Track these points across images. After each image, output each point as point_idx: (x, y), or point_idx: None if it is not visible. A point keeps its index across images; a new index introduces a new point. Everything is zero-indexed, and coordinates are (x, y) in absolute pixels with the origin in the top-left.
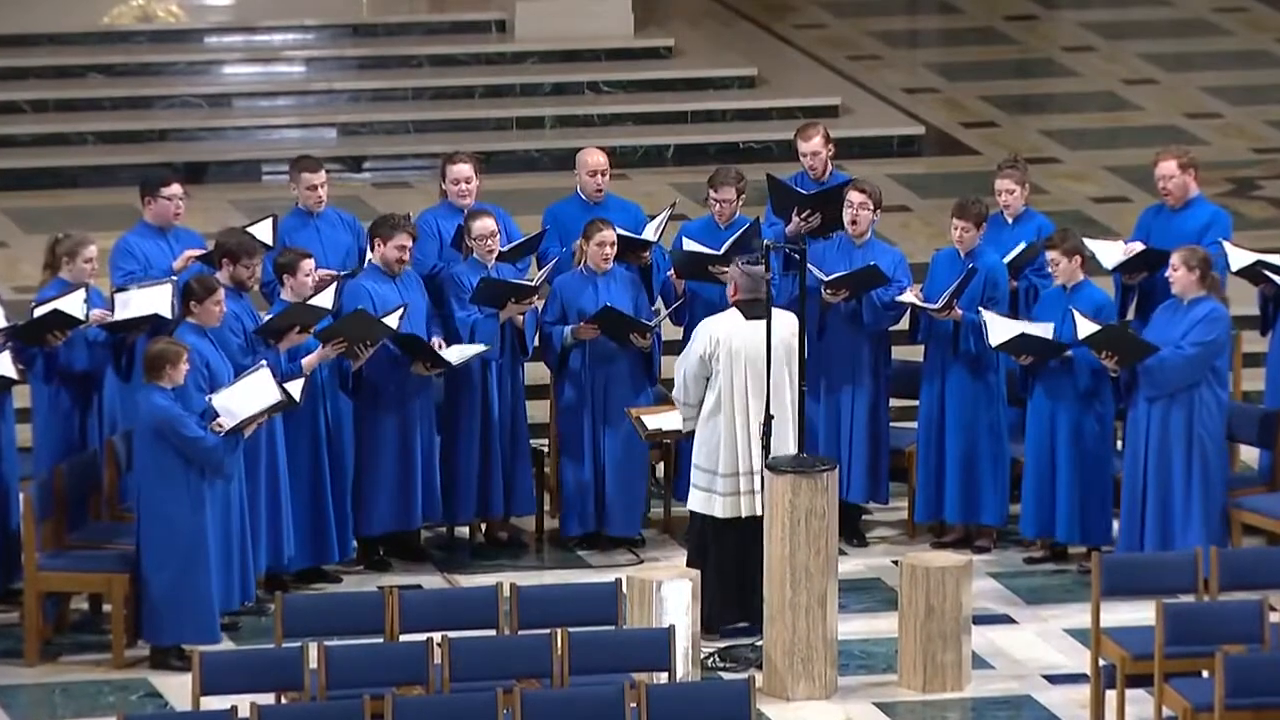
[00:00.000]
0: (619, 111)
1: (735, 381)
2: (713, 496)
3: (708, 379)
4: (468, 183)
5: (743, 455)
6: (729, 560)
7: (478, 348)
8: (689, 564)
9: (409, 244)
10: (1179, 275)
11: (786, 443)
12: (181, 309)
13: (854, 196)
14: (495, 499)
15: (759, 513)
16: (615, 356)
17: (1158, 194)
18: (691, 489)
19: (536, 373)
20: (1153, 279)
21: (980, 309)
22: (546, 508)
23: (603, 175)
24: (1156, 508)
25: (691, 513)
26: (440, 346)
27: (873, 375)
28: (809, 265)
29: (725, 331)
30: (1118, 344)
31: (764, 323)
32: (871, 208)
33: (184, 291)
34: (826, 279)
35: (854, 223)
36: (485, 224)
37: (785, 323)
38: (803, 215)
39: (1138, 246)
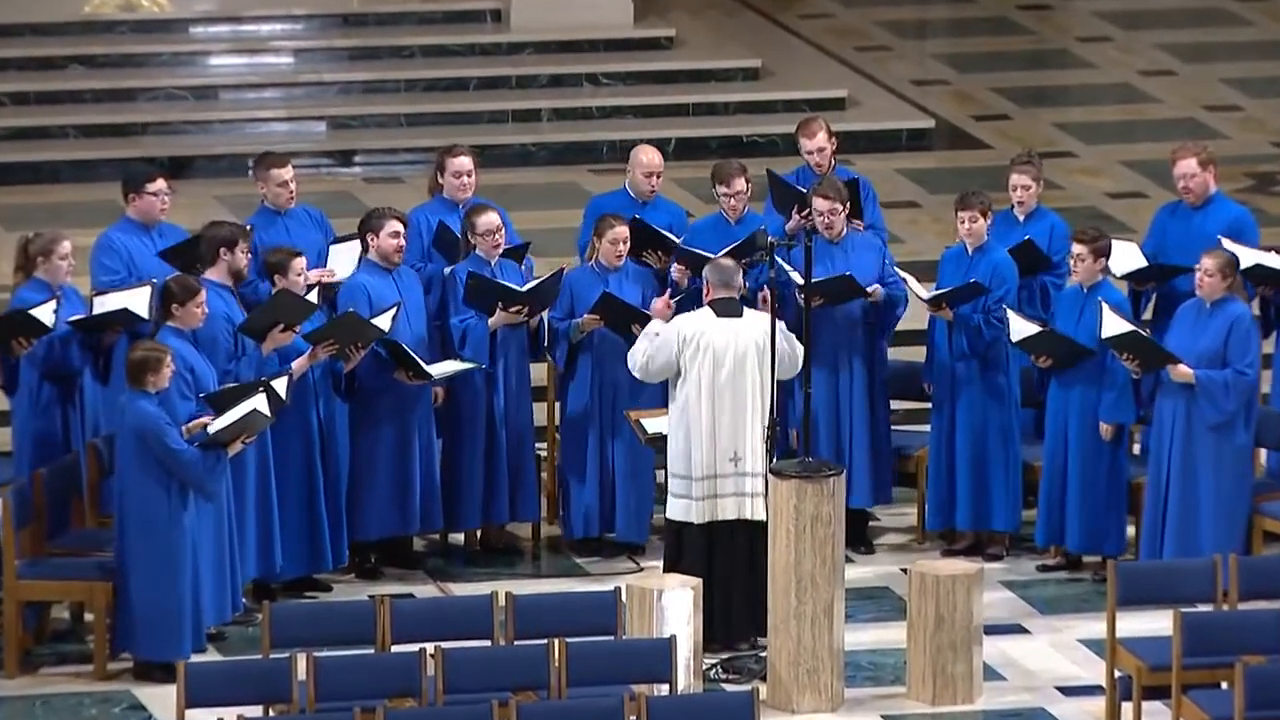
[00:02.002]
0: (618, 104)
1: (704, 382)
2: (689, 503)
3: (678, 373)
4: (468, 176)
5: (707, 460)
6: (702, 570)
7: (465, 364)
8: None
9: (402, 229)
10: (1213, 281)
11: (759, 450)
12: (162, 311)
13: (820, 205)
14: (500, 505)
15: (729, 517)
16: (623, 357)
17: (1175, 190)
18: (670, 497)
19: (532, 374)
20: (1167, 285)
21: (1005, 306)
22: (543, 513)
23: (657, 177)
24: (1178, 515)
25: (668, 520)
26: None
27: (867, 377)
28: (787, 268)
29: (694, 330)
30: (1140, 348)
31: (737, 321)
32: (841, 209)
33: (164, 293)
34: (798, 285)
35: (829, 228)
36: (490, 219)
37: (761, 322)
38: (802, 213)
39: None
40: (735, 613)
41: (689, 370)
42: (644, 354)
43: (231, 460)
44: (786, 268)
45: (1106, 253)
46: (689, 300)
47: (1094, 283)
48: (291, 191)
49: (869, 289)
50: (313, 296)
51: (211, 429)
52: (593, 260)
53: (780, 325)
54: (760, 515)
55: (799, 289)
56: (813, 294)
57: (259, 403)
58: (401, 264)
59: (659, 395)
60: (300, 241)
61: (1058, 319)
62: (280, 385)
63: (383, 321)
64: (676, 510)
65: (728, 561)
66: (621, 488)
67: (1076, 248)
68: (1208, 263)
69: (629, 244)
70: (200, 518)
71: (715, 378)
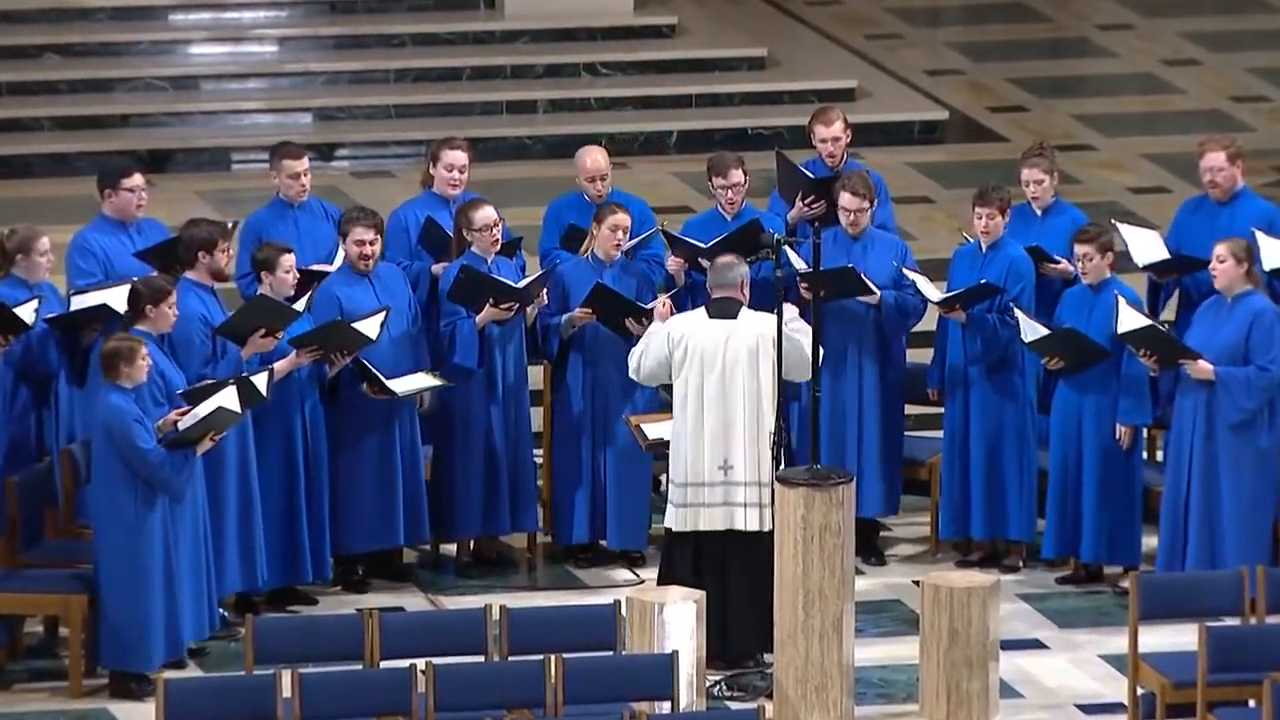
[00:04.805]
0: (618, 95)
1: (691, 385)
2: (675, 510)
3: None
4: (460, 173)
5: (694, 466)
6: (690, 582)
7: (433, 381)
8: (658, 584)
9: (368, 236)
10: (1226, 268)
11: (763, 459)
12: (132, 314)
13: (848, 201)
14: (501, 515)
15: (715, 528)
16: (616, 355)
17: (1200, 185)
18: (669, 505)
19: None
20: (1190, 278)
21: (1014, 305)
22: (539, 521)
23: (602, 181)
24: (1201, 524)
25: (666, 529)
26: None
27: (880, 379)
28: (795, 257)
29: (683, 331)
30: (1159, 343)
31: (730, 323)
32: (869, 207)
33: (132, 296)
34: (800, 272)
35: (853, 224)
36: (487, 213)
37: (758, 324)
38: (807, 201)
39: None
40: (731, 627)
41: (679, 373)
42: (637, 354)
43: (210, 467)
44: (793, 257)
45: (1111, 246)
46: (685, 294)
47: (1102, 280)
48: (304, 184)
49: (872, 290)
50: (301, 302)
51: (180, 426)
52: (587, 252)
53: (798, 323)
54: (753, 526)
55: (800, 277)
56: (816, 285)
57: (225, 399)
58: (376, 268)
59: (655, 397)
60: (310, 236)
61: (1064, 320)
62: (260, 381)
63: (370, 328)
64: (669, 518)
65: (718, 574)
66: (613, 493)
67: (1080, 248)
68: (1219, 249)
69: (628, 234)
70: (176, 527)
71: (704, 381)
